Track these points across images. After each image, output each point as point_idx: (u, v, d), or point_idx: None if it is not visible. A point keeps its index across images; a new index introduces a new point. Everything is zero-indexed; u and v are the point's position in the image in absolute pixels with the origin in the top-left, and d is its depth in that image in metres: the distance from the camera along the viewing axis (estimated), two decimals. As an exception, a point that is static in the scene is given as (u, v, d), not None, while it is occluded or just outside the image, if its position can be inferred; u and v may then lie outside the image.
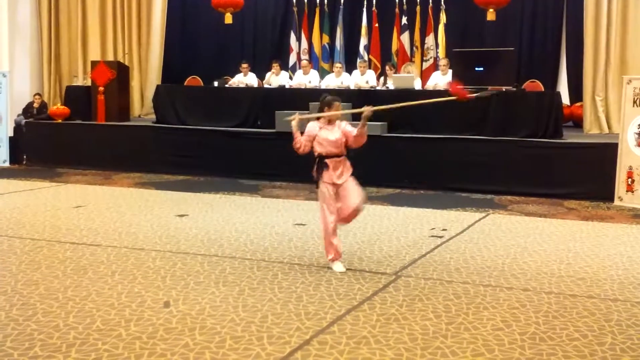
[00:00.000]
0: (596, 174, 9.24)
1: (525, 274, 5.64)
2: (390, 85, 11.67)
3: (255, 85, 12.58)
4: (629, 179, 8.93)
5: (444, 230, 7.26)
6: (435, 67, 12.85)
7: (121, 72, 12.84)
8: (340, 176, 5.70)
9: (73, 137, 12.33)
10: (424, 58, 13.60)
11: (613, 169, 9.07)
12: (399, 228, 7.35)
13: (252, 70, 12.79)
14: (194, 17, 15.23)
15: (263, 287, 5.18)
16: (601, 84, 11.55)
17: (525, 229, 7.42)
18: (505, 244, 6.68)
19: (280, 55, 13.99)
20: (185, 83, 13.97)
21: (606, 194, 9.07)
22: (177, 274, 5.53)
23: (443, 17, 13.27)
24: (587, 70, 11.62)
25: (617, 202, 9.01)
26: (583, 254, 6.29)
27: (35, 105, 13.58)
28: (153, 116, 12.94)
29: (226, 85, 12.53)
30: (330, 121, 5.74)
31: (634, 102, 9.00)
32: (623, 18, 11.38)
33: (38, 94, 14.10)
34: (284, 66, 13.48)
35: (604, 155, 9.24)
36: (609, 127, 11.39)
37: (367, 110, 5.61)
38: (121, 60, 13.87)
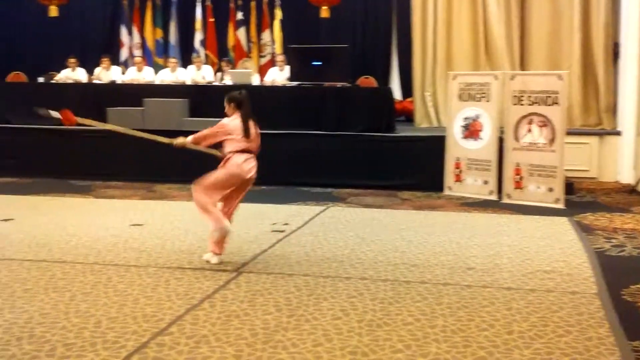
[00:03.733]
0: (427, 166, 9.68)
1: (363, 263, 5.79)
2: (228, 80, 11.59)
3: (84, 80, 12.01)
4: (457, 169, 9.45)
5: (285, 224, 7.29)
6: (272, 62, 12.92)
7: None
8: None
9: None
10: (261, 54, 13.65)
11: (442, 161, 9.56)
12: (240, 224, 7.26)
13: (80, 66, 12.20)
14: (16, 9, 14.28)
15: (97, 292, 4.94)
16: (429, 80, 12.12)
17: (363, 220, 7.63)
18: (345, 235, 6.83)
19: (110, 50, 13.45)
20: (8, 79, 13.06)
21: (437, 184, 9.54)
22: (2, 281, 5.14)
23: (279, 13, 13.37)
24: (416, 67, 12.15)
25: (446, 191, 9.50)
26: (416, 242, 6.55)
27: None
28: (-28, 115, 11.97)
29: (52, 81, 11.85)
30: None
31: (459, 96, 9.53)
32: (448, 17, 11.99)
33: None
34: (115, 61, 12.98)
35: (434, 147, 9.69)
36: (438, 121, 11.98)
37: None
38: None
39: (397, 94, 12.79)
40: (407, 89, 12.87)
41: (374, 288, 5.08)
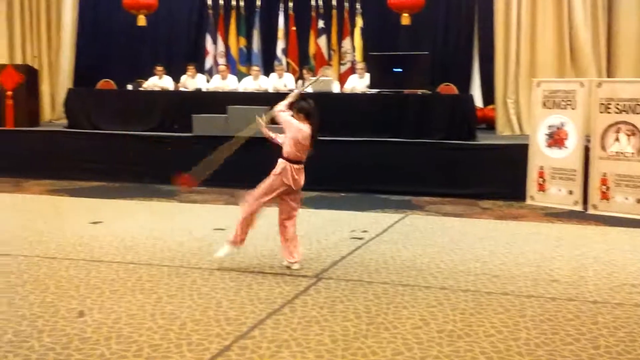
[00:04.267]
0: (509, 174, 9.51)
1: (443, 272, 5.74)
2: (309, 88, 11.67)
3: (171, 88, 12.37)
4: (540, 179, 9.25)
5: (364, 231, 7.31)
6: (352, 70, 12.97)
7: (30, 76, 12.38)
8: None
9: (-21, 143, 11.79)
10: (341, 61, 13.71)
11: (525, 169, 9.37)
12: (320, 231, 7.36)
13: (167, 74, 12.57)
14: (106, 19, 14.83)
15: (182, 294, 5.08)
16: (512, 87, 11.93)
17: (442, 228, 7.56)
18: (423, 243, 6.79)
19: (196, 58, 13.81)
20: (98, 86, 13.59)
21: (519, 193, 9.36)
22: (91, 282, 5.36)
23: (359, 21, 13.42)
24: (498, 74, 11.98)
25: (529, 201, 9.31)
26: (498, 252, 6.45)
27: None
28: (65, 121, 12.52)
29: (140, 89, 12.26)
30: None
31: (544, 104, 9.33)
32: (532, 23, 11.79)
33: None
34: (200, 69, 13.32)
35: (516, 155, 9.53)
36: (521, 129, 11.76)
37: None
38: (30, 64, 13.37)
39: (478, 101, 12.61)
40: (488, 96, 12.68)
41: (455, 298, 5.04)
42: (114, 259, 6.06)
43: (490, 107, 12.48)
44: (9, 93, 11.96)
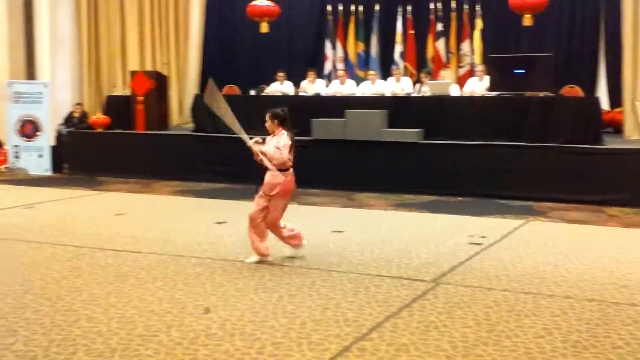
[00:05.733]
0: (637, 180, 9.09)
1: (567, 281, 5.58)
2: (427, 92, 11.64)
3: (292, 93, 12.64)
4: (672, 185, 8.77)
5: (482, 237, 7.20)
6: (471, 73, 12.79)
7: (160, 82, 13.02)
8: None
9: (113, 146, 12.54)
10: (460, 64, 13.54)
11: (655, 175, 8.93)
12: (437, 235, 7.32)
13: (288, 79, 12.86)
14: (231, 27, 15.37)
15: (302, 294, 5.20)
16: (642, 89, 11.38)
17: (565, 235, 7.33)
18: (546, 251, 6.61)
19: (315, 63, 14.06)
20: (223, 92, 14.06)
21: (648, 200, 8.93)
22: (216, 280, 5.58)
23: (479, 23, 13.21)
24: (626, 75, 11.46)
25: (659, 208, 8.85)
26: (626, 261, 6.19)
27: (76, 114, 13.84)
28: (191, 125, 13.08)
29: (262, 94, 12.61)
30: (272, 132, 6.18)
31: (676, 106, 8.85)
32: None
33: (79, 103, 14.36)
34: (320, 74, 13.54)
35: (645, 161, 9.10)
36: (650, 133, 11.21)
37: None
38: (160, 70, 14.05)
39: (604, 103, 12.10)
40: (615, 99, 12.17)
41: (579, 308, 4.88)
42: (238, 258, 6.28)
43: (618, 109, 11.96)
44: (140, 98, 12.62)
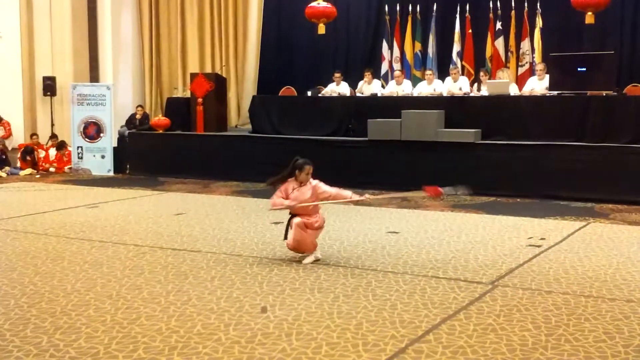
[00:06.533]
0: None
1: (629, 284, 5.44)
2: (485, 91, 11.51)
3: (348, 94, 12.67)
4: None
5: (542, 239, 7.08)
6: (531, 72, 12.60)
7: (219, 84, 13.21)
8: None
9: (173, 147, 12.79)
10: (519, 63, 13.34)
11: None
12: (495, 237, 7.23)
13: (344, 80, 12.89)
14: (288, 29, 15.50)
15: (357, 295, 5.21)
16: None
17: (628, 238, 7.15)
18: (608, 253, 6.46)
19: (372, 64, 14.05)
20: (280, 93, 14.22)
21: None
22: (273, 279, 5.64)
23: (539, 21, 12.99)
24: (693, 73, 11.10)
25: None
26: (692, 265, 6.00)
27: (138, 116, 14.18)
28: (249, 126, 13.26)
29: (319, 95, 12.68)
30: (302, 182, 6.26)
31: None
32: None
33: (140, 105, 14.71)
34: (376, 74, 13.53)
35: None
36: None
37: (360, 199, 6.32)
38: (219, 72, 14.25)
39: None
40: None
41: (642, 312, 4.77)
42: (294, 258, 6.33)
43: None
44: (200, 100, 12.84)
